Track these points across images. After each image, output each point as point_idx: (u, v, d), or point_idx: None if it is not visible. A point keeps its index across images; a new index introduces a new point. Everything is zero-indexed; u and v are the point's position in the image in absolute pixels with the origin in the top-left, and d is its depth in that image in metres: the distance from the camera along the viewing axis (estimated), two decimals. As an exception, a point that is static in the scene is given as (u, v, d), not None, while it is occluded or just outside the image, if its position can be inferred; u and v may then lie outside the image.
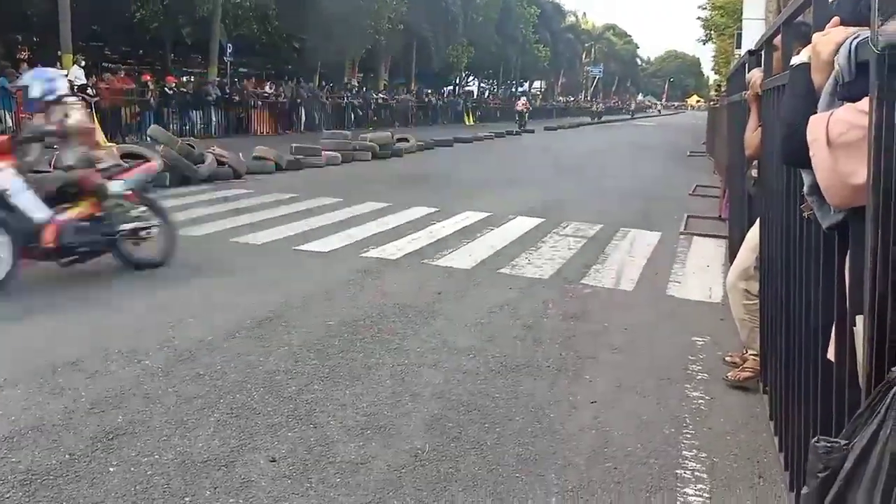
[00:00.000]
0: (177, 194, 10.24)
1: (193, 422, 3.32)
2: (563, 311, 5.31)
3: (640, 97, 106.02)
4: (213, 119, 23.08)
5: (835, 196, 1.75)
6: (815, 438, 1.18)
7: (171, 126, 19.93)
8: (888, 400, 1.12)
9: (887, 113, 1.27)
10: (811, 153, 1.76)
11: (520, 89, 61.52)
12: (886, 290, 1.27)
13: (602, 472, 3.02)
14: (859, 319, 1.64)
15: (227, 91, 24.07)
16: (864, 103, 1.55)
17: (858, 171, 1.60)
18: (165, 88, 21.51)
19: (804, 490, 1.18)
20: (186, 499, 2.70)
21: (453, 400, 3.68)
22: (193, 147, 11.93)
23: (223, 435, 3.21)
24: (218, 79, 25.78)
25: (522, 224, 8.96)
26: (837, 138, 1.68)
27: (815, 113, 1.81)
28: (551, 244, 7.80)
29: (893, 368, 1.12)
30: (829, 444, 1.14)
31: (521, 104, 39.78)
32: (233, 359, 4.11)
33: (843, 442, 1.14)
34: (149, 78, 22.05)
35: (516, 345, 4.55)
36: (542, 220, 9.27)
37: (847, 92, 1.73)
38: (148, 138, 13.53)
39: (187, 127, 21.68)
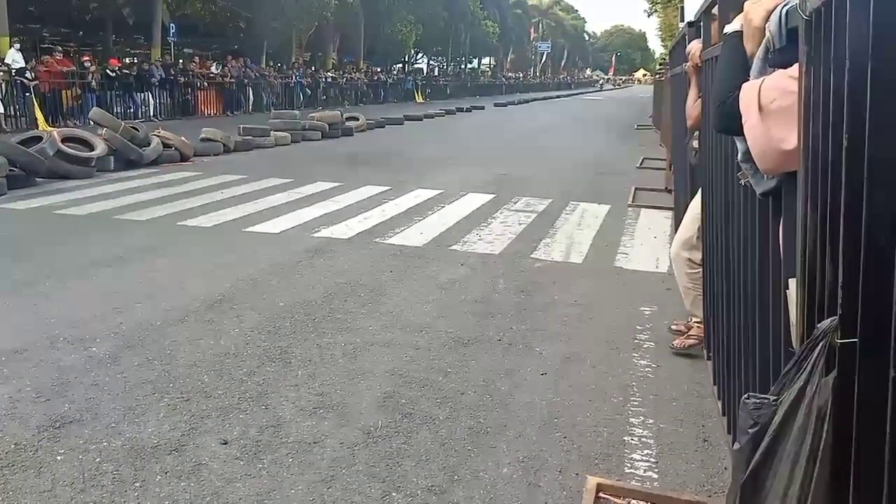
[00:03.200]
0: (122, 178, 10.03)
1: (143, 407, 3.28)
2: (514, 286, 5.35)
3: (588, 72, 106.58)
4: (158, 101, 22.54)
5: (767, 162, 1.79)
6: (746, 395, 1.22)
7: (114, 109, 19.40)
8: (814, 356, 1.16)
9: (816, 78, 1.30)
10: (744, 120, 1.79)
11: (470, 66, 61.44)
12: (816, 253, 1.31)
13: (552, 442, 3.08)
14: (792, 282, 1.69)
15: (172, 72, 23.48)
16: (795, 70, 1.58)
17: (789, 138, 1.64)
18: (107, 70, 20.89)
19: (735, 446, 1.22)
20: (136, 484, 2.67)
21: (405, 377, 3.70)
22: (138, 130, 11.65)
23: (173, 420, 3.17)
24: (161, 60, 25.14)
25: (473, 200, 8.99)
26: (769, 105, 1.72)
27: (748, 80, 1.85)
28: (502, 220, 7.84)
29: (818, 325, 1.16)
30: (758, 401, 1.18)
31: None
32: (182, 343, 4.05)
33: (771, 398, 1.18)
34: (90, 60, 21.41)
35: (468, 320, 4.58)
36: (493, 195, 9.31)
37: (778, 58, 1.77)
38: (90, 122, 13.13)
39: (131, 110, 21.12)
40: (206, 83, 25.12)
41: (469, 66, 62.11)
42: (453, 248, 6.54)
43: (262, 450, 2.95)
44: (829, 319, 1.14)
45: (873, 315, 0.96)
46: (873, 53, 0.95)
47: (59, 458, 2.85)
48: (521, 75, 70.28)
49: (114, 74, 20.88)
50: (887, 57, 0.90)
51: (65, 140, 10.13)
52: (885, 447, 0.92)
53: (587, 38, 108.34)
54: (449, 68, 57.97)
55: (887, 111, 0.89)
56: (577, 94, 62.95)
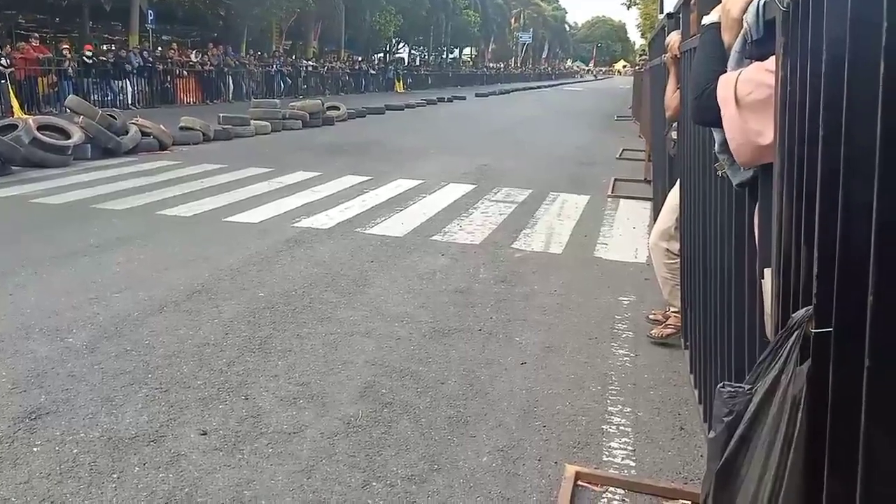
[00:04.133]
0: (99, 167, 9.92)
1: (120, 398, 3.26)
2: (494, 276, 5.36)
3: (568, 63, 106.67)
4: (136, 89, 22.28)
5: (744, 155, 1.80)
6: (721, 384, 1.23)
7: (91, 96, 19.20)
8: (788, 345, 1.17)
9: (792, 69, 1.31)
10: (721, 112, 1.81)
11: (451, 56, 61.29)
12: (791, 244, 1.32)
13: (532, 430, 3.09)
14: (767, 272, 1.70)
15: (150, 60, 23.22)
16: (772, 62, 1.59)
17: (765, 132, 1.65)
18: (84, 57, 20.62)
19: (710, 434, 1.24)
20: (114, 476, 2.66)
21: (386, 366, 3.70)
22: (115, 118, 11.52)
23: (152, 410, 3.16)
24: (139, 47, 24.83)
25: (454, 191, 8.98)
26: (745, 97, 1.73)
27: (725, 72, 1.86)
28: (482, 210, 7.84)
29: (793, 315, 1.17)
30: (733, 389, 1.20)
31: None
32: (161, 333, 4.03)
33: (746, 387, 1.19)
34: (67, 46, 21.11)
35: (448, 310, 4.58)
36: (474, 186, 9.31)
37: (755, 50, 1.78)
38: (66, 109, 12.96)
39: (109, 98, 20.89)
40: (185, 71, 24.89)
41: (450, 55, 61.94)
42: (434, 238, 6.53)
43: (241, 440, 2.94)
44: (803, 309, 1.15)
45: (848, 305, 0.97)
46: (850, 44, 0.95)
47: (35, 449, 2.82)
48: (502, 65, 70.23)
49: (91, 61, 20.62)
50: (864, 47, 0.90)
51: (40, 128, 10.00)
52: (860, 436, 0.93)
53: (568, 28, 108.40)
54: (430, 58, 57.79)
55: (864, 101, 0.90)
56: (557, 84, 62.99)
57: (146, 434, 2.95)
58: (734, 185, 2.03)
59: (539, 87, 52.35)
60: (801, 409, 1.13)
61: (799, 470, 1.13)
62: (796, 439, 1.14)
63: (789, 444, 1.14)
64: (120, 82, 21.63)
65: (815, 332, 1.09)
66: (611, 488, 2.68)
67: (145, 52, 23.61)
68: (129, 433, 2.96)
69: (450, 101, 31.59)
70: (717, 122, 1.85)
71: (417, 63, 54.59)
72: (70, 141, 10.10)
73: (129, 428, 3.00)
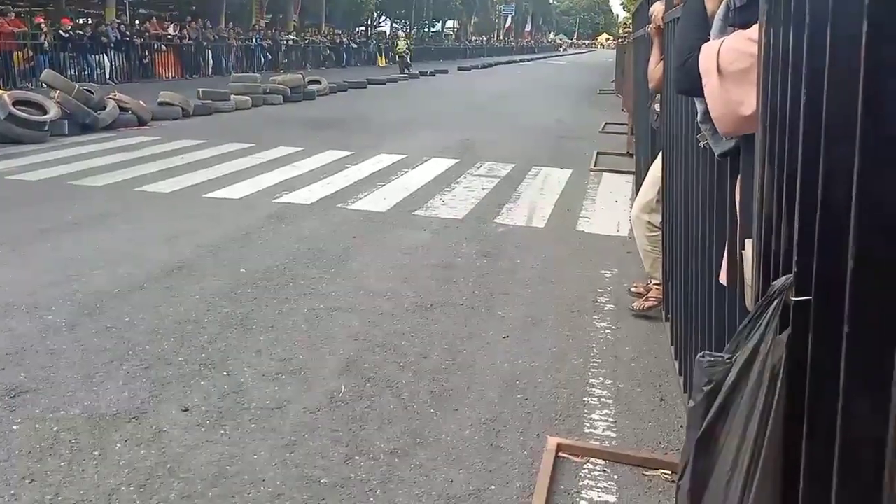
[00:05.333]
0: (76, 143, 9.77)
1: (101, 375, 3.23)
2: (477, 250, 5.36)
3: (551, 36, 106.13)
4: (114, 63, 21.93)
5: (726, 125, 1.79)
6: (701, 354, 1.23)
7: (67, 71, 18.85)
8: (768, 314, 1.17)
9: (776, 36, 1.30)
10: (703, 82, 1.79)
11: (434, 30, 60.78)
12: (772, 213, 1.32)
13: (514, 403, 3.11)
14: (748, 243, 1.70)
15: (128, 34, 22.83)
16: (755, 31, 1.57)
17: (748, 101, 1.65)
18: (60, 31, 20.23)
19: (690, 403, 1.24)
20: (95, 453, 2.64)
21: (369, 341, 3.69)
22: (92, 93, 11.31)
23: (133, 387, 3.13)
24: (117, 21, 24.40)
25: (437, 165, 8.94)
26: (728, 67, 1.72)
27: (708, 41, 1.84)
28: (465, 184, 7.82)
29: (773, 283, 1.17)
30: (713, 359, 1.20)
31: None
32: (141, 310, 3.99)
33: (726, 356, 1.20)
34: (42, 20, 20.70)
35: (431, 285, 4.58)
36: (457, 160, 9.28)
37: (738, 17, 1.76)
38: (42, 84, 12.73)
39: (86, 72, 20.53)
40: (163, 45, 24.51)
41: (432, 29, 61.39)
42: (416, 213, 6.51)
43: (223, 416, 2.93)
44: (783, 277, 1.15)
45: (827, 272, 0.97)
46: (833, 8, 0.94)
47: (15, 427, 2.80)
48: (485, 39, 69.73)
49: (67, 35, 20.24)
50: (847, 12, 0.89)
51: (16, 103, 9.81)
52: (838, 404, 0.93)
53: (551, 1, 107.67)
54: (412, 31, 57.27)
55: (846, 67, 0.89)
56: (540, 58, 62.70)
57: (127, 411, 2.94)
58: (716, 155, 2.02)
59: (522, 61, 52.07)
60: (781, 378, 1.13)
61: (778, 438, 1.14)
62: (775, 408, 1.14)
63: (768, 412, 1.15)
64: (97, 57, 21.25)
65: (794, 301, 1.09)
66: (592, 459, 2.70)
67: (122, 26, 23.20)
68: (111, 410, 2.94)
69: (432, 75, 31.35)
70: (700, 92, 1.84)
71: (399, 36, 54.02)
72: (46, 116, 9.93)
73: (111, 405, 2.98)
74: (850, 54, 0.86)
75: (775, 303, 1.16)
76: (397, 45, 35.64)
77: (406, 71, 30.32)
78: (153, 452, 2.66)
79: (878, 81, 0.78)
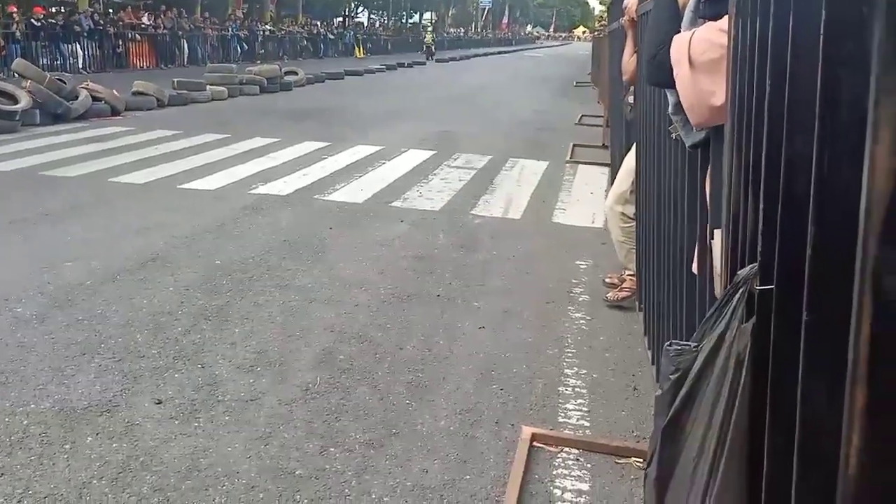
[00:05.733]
0: (48, 133, 9.64)
1: (72, 368, 3.20)
2: (454, 242, 5.36)
3: (528, 28, 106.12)
4: (87, 53, 21.62)
5: (697, 115, 1.81)
6: (668, 342, 1.24)
7: (39, 60, 18.58)
8: (734, 303, 1.19)
9: (744, 28, 1.31)
10: (675, 73, 1.81)
11: (412, 21, 60.50)
12: (739, 203, 1.33)
13: (489, 394, 3.12)
14: (717, 233, 1.72)
15: (101, 22, 22.50)
16: (725, 23, 1.59)
17: (718, 93, 1.66)
18: (32, 20, 19.92)
19: (657, 392, 1.25)
20: (66, 446, 2.62)
21: (344, 333, 3.69)
22: (65, 82, 11.16)
23: (105, 380, 3.11)
24: (90, 9, 24.04)
25: (414, 157, 8.93)
26: (699, 58, 1.73)
27: (680, 32, 1.85)
28: (442, 176, 7.82)
29: (739, 272, 1.19)
30: (680, 347, 1.21)
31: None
32: (114, 302, 3.95)
33: (693, 344, 1.21)
34: (14, 9, 20.35)
35: (407, 276, 4.58)
36: (434, 152, 9.27)
37: (709, 10, 1.78)
38: (13, 74, 12.53)
39: (59, 62, 20.25)
40: (137, 35, 24.20)
41: (410, 20, 61.16)
42: (393, 204, 6.50)
43: (197, 409, 2.91)
44: (749, 267, 1.17)
45: (790, 261, 0.98)
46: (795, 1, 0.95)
47: (-17, 421, 2.77)
48: (462, 31, 69.60)
49: (39, 24, 19.93)
50: (809, 3, 0.90)
51: (-14, 92, 9.66)
52: (798, 390, 0.95)
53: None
54: (390, 23, 57.01)
55: (807, 59, 0.90)
56: (518, 50, 62.71)
57: (99, 404, 2.91)
58: (687, 146, 2.04)
59: (500, 53, 52.03)
60: (745, 366, 1.14)
61: (742, 426, 1.15)
62: (740, 396, 1.16)
63: (733, 399, 1.16)
64: (70, 46, 20.95)
65: (759, 290, 1.10)
66: (566, 448, 2.72)
67: (96, 15, 22.88)
68: (82, 403, 2.91)
69: (410, 66, 31.27)
70: (671, 83, 1.85)
71: (377, 27, 53.77)
72: (18, 106, 9.78)
73: (82, 398, 2.95)
74: (811, 45, 0.87)
75: (740, 291, 1.17)
76: (425, 37, 45.15)
77: (430, 58, 37.81)
78: (125, 446, 2.64)
79: (837, 73, 0.79)
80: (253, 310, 3.94)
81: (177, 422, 2.82)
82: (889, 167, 0.66)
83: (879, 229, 0.68)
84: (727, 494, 1.15)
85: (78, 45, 21.26)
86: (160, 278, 4.35)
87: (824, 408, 0.85)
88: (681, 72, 1.78)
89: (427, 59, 37.07)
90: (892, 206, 0.67)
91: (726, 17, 1.57)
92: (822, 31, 0.80)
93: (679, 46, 1.79)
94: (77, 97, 11.00)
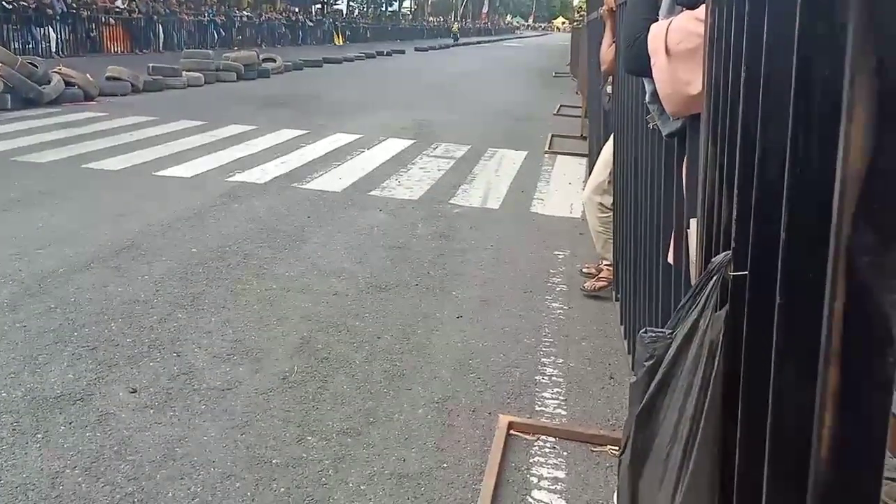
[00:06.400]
0: (19, 118, 9.48)
1: (45, 357, 3.16)
2: (432, 231, 5.36)
3: (508, 18, 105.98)
4: (60, 37, 21.27)
5: (673, 104, 1.81)
6: (643, 329, 1.25)
7: (11, 44, 18.25)
8: (708, 290, 1.19)
9: (720, 15, 1.31)
10: (652, 62, 1.81)
11: (391, 9, 60.22)
12: (714, 189, 1.34)
13: (467, 382, 3.12)
14: (693, 222, 1.73)
15: (74, 5, 22.13)
16: (702, 12, 1.59)
17: (694, 82, 1.66)
18: (3, 2, 19.52)
19: (631, 379, 1.26)
20: (38, 436, 2.59)
21: (322, 322, 3.67)
22: (36, 66, 10.97)
23: (78, 369, 3.07)
24: (63, -8, 23.63)
25: (393, 146, 8.90)
26: (675, 47, 1.74)
27: (657, 20, 1.86)
28: (421, 165, 7.80)
29: (713, 259, 1.19)
30: (654, 334, 1.21)
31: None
32: (88, 290, 3.91)
33: (667, 332, 1.21)
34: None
35: (386, 265, 4.57)
36: (413, 141, 9.24)
37: (686, -2, 1.78)
38: (-17, 58, 12.30)
39: (30, 45, 19.89)
40: (111, 19, 23.84)
41: (390, 8, 60.84)
42: (372, 193, 6.48)
43: (173, 397, 2.89)
44: (723, 254, 1.17)
45: (763, 247, 0.99)
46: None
47: (-47, 410, 2.73)
48: (442, 20, 69.35)
49: (11, 7, 19.55)
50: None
51: (-44, 77, 9.48)
52: (770, 375, 0.95)
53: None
54: (369, 10, 56.67)
55: (781, 46, 0.90)
56: (497, 40, 62.60)
57: (72, 393, 2.88)
58: (664, 135, 2.04)
59: (479, 43, 51.96)
60: (719, 353, 1.15)
61: (715, 413, 1.16)
62: (713, 383, 1.17)
63: (706, 387, 1.17)
64: (42, 29, 20.59)
65: (732, 276, 1.11)
66: (542, 436, 2.73)
67: (69, -2, 22.50)
68: (54, 392, 2.88)
69: (389, 55, 31.14)
70: (648, 72, 1.85)
71: (356, 15, 53.44)
72: (-12, 91, 9.63)
73: (54, 387, 2.92)
74: (786, 33, 0.87)
75: (714, 279, 1.18)
76: (453, 26, 54.27)
77: (455, 41, 45.20)
78: (99, 435, 2.61)
79: (811, 55, 0.80)
80: (230, 298, 3.91)
81: (151, 411, 2.79)
82: (863, 146, 0.66)
83: (853, 209, 0.68)
84: (700, 480, 1.16)
85: (51, 29, 20.89)
86: (135, 266, 4.30)
87: (796, 391, 0.86)
88: (658, 61, 1.79)
89: (455, 40, 42.69)
90: (865, 184, 0.67)
91: (703, 6, 1.57)
92: (797, 12, 0.81)
93: (656, 35, 1.79)
94: (49, 81, 10.83)
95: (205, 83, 14.87)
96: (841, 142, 0.68)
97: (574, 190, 6.82)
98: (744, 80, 1.05)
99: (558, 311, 3.95)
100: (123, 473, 2.41)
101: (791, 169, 0.83)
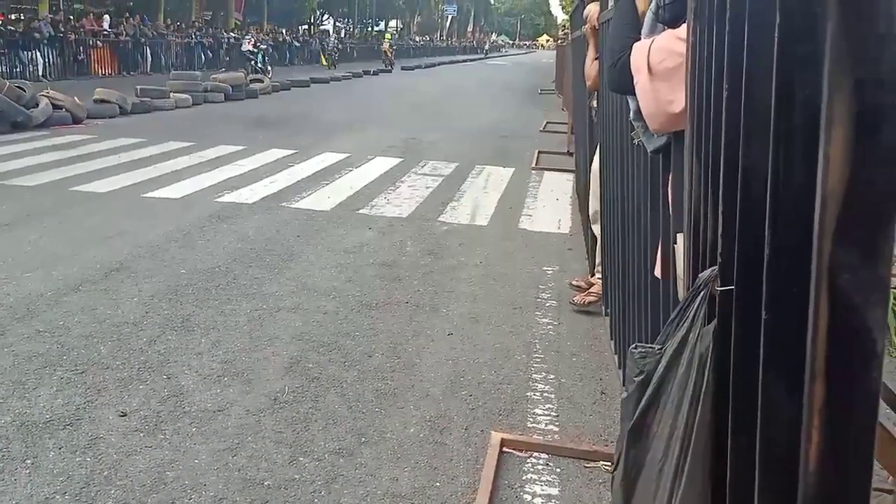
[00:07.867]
0: (7, 142, 9.44)
1: (34, 381, 3.14)
2: (421, 249, 5.37)
3: (493, 36, 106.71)
4: (47, 60, 21.23)
5: (656, 122, 1.84)
6: (633, 345, 1.26)
7: (-3, 68, 18.23)
8: (696, 305, 1.21)
9: (702, 33, 1.33)
10: (635, 80, 1.83)
11: (377, 29, 60.48)
12: (700, 206, 1.35)
13: (458, 400, 3.12)
14: (679, 237, 1.75)
15: (62, 29, 22.12)
16: (683, 31, 1.61)
17: (677, 100, 1.69)
18: (-8, 27, 19.54)
19: (622, 394, 1.27)
20: (28, 461, 2.57)
21: (313, 341, 3.67)
22: (24, 90, 10.93)
23: (67, 393, 3.05)
24: (50, 15, 23.61)
25: (381, 164, 8.92)
26: (657, 66, 1.76)
27: (640, 39, 1.88)
28: (409, 183, 7.82)
29: (701, 275, 1.21)
30: (644, 350, 1.23)
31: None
32: (76, 313, 3.89)
33: (657, 347, 1.23)
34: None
35: (375, 283, 4.57)
36: (401, 159, 9.27)
37: (668, 15, 1.80)
38: (-31, 82, 12.26)
39: (18, 69, 19.83)
40: (99, 42, 23.83)
41: (375, 28, 61.11)
42: (361, 211, 6.49)
43: (163, 420, 2.87)
44: (710, 269, 1.19)
45: (748, 262, 1.00)
46: (751, 4, 0.98)
47: (-59, 436, 2.70)
48: (428, 39, 69.72)
49: (-2, 31, 19.55)
50: (763, 9, 0.93)
51: (-58, 101, 9.44)
52: (758, 389, 0.96)
53: (492, 2, 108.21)
54: (355, 30, 56.91)
55: (762, 64, 0.92)
56: (483, 58, 62.98)
57: (62, 417, 2.86)
58: (649, 152, 2.06)
59: (465, 61, 52.27)
60: (708, 368, 1.16)
61: (706, 427, 1.17)
62: (703, 397, 1.18)
63: (697, 401, 1.18)
64: (30, 53, 20.55)
65: (719, 291, 1.12)
66: (535, 453, 2.73)
67: (59, 23, 22.48)
68: (44, 417, 2.85)
69: (375, 74, 31.25)
70: (632, 90, 1.88)
71: (342, 35, 53.63)
72: (-25, 115, 9.59)
73: (44, 412, 2.89)
74: (767, 51, 0.89)
75: (702, 294, 1.19)
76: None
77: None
78: (89, 459, 2.59)
79: (791, 75, 0.82)
80: (219, 319, 3.90)
81: (142, 434, 2.77)
82: (842, 163, 0.68)
83: (833, 225, 0.70)
84: (692, 494, 1.17)
85: (38, 52, 20.84)
86: (124, 288, 4.28)
87: (784, 405, 0.87)
88: (640, 79, 1.81)
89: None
90: (845, 203, 0.69)
91: (684, 25, 1.60)
92: (776, 32, 0.82)
93: (639, 54, 1.82)
94: (37, 105, 10.81)
95: (193, 104, 14.86)
96: (820, 159, 0.69)
97: (562, 205, 6.85)
98: (726, 97, 1.07)
99: (548, 327, 3.96)
100: (114, 499, 2.39)
101: (773, 186, 0.84)
